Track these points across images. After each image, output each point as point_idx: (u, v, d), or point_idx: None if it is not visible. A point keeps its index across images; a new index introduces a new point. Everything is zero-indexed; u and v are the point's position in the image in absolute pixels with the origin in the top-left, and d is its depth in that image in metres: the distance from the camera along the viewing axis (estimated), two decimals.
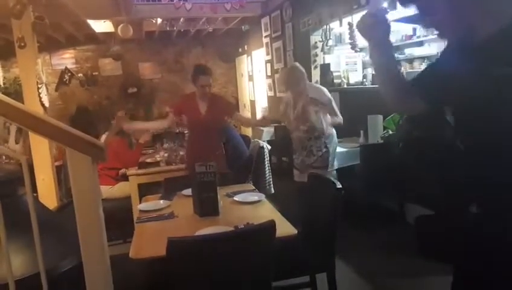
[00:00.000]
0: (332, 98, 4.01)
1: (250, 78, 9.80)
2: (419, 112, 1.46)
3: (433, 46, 5.54)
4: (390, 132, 4.20)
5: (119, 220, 3.72)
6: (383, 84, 1.43)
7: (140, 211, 2.80)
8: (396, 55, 7.16)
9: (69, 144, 1.49)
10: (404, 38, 6.99)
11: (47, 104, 4.08)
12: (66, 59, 9.85)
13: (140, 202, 3.18)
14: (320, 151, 3.96)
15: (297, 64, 4.01)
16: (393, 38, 6.73)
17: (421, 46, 6.52)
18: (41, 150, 4.02)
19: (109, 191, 4.30)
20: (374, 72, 1.46)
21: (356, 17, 5.04)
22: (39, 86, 3.92)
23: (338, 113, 4.04)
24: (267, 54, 8.29)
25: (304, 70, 3.95)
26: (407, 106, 1.51)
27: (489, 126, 1.21)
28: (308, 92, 3.89)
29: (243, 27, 9.42)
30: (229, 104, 4.18)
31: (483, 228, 1.28)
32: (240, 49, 10.40)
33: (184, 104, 3.88)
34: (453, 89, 1.27)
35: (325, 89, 4.04)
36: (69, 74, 9.73)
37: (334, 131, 4.08)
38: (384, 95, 1.44)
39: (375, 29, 1.33)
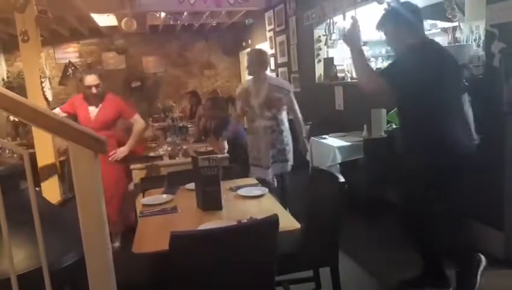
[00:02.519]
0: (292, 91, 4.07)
1: None
2: (383, 90, 2.50)
3: (437, 39, 5.48)
4: (394, 126, 4.18)
5: None
6: (362, 75, 2.63)
7: (143, 205, 2.80)
8: None
9: (72, 138, 1.48)
10: None
11: (50, 98, 4.07)
12: (70, 53, 9.87)
13: (143, 196, 3.18)
14: (281, 144, 4.03)
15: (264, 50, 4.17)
16: None
17: None
18: (44, 144, 4.02)
19: None
20: (355, 69, 2.94)
21: (360, 11, 5.01)
22: (42, 80, 3.91)
23: (297, 107, 4.08)
24: (271, 48, 8.26)
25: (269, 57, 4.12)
26: (376, 86, 2.54)
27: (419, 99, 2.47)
28: (270, 80, 4.00)
29: (246, 21, 9.38)
30: (126, 106, 3.96)
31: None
32: (244, 43, 10.36)
33: (74, 106, 3.71)
34: (403, 75, 2.45)
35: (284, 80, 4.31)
36: (73, 68, 9.73)
37: (287, 125, 4.14)
38: (361, 82, 2.65)
39: (357, 40, 2.60)
